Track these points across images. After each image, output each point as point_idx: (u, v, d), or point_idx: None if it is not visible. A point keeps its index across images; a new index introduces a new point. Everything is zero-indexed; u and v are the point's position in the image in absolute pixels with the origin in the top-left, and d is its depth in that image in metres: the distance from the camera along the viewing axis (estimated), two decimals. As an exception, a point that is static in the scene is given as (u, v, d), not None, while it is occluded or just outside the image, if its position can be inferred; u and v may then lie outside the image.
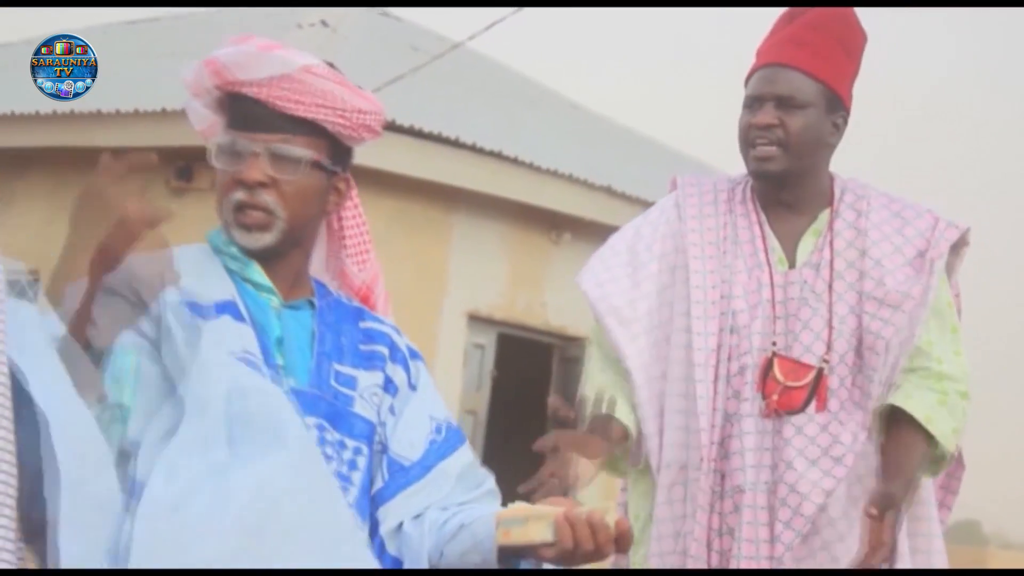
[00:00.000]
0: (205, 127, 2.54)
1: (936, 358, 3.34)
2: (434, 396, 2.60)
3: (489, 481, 2.57)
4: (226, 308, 2.40)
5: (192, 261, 2.43)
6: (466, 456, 2.56)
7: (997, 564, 14.62)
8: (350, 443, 2.46)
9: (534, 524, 2.29)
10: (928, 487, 3.39)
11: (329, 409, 2.45)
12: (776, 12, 3.53)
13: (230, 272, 2.46)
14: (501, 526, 2.32)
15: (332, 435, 2.44)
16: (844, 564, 3.24)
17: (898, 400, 3.27)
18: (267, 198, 2.44)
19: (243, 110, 2.45)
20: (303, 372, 2.45)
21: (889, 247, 3.41)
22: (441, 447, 2.53)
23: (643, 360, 3.40)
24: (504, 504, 2.40)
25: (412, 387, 2.58)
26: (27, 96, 9.98)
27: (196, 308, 2.36)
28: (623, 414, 3.36)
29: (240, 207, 2.44)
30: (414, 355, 2.61)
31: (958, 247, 3.47)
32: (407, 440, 2.51)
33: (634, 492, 3.54)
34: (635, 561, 3.53)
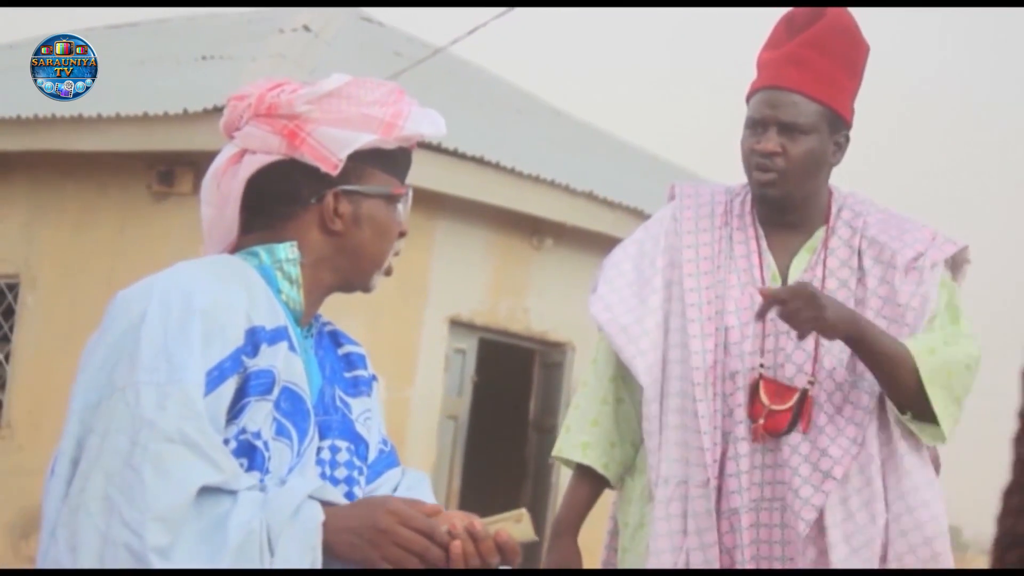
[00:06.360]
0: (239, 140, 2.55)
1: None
2: (381, 416, 2.68)
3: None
4: (281, 335, 2.42)
5: (250, 279, 2.44)
6: (398, 475, 2.65)
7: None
8: (357, 462, 2.54)
9: None
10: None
11: (340, 430, 2.52)
12: (764, 14, 3.49)
13: (277, 294, 2.47)
14: None
15: (344, 455, 2.51)
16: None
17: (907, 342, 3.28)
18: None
19: (401, 161, 2.65)
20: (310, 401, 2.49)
21: (887, 256, 3.39)
22: (388, 458, 2.62)
23: (655, 375, 3.39)
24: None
25: None
26: (7, 100, 9.94)
27: (262, 333, 2.38)
28: (594, 459, 3.46)
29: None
30: (374, 377, 2.69)
31: (959, 264, 3.46)
32: None
33: (619, 499, 3.54)
34: (623, 567, 3.52)
